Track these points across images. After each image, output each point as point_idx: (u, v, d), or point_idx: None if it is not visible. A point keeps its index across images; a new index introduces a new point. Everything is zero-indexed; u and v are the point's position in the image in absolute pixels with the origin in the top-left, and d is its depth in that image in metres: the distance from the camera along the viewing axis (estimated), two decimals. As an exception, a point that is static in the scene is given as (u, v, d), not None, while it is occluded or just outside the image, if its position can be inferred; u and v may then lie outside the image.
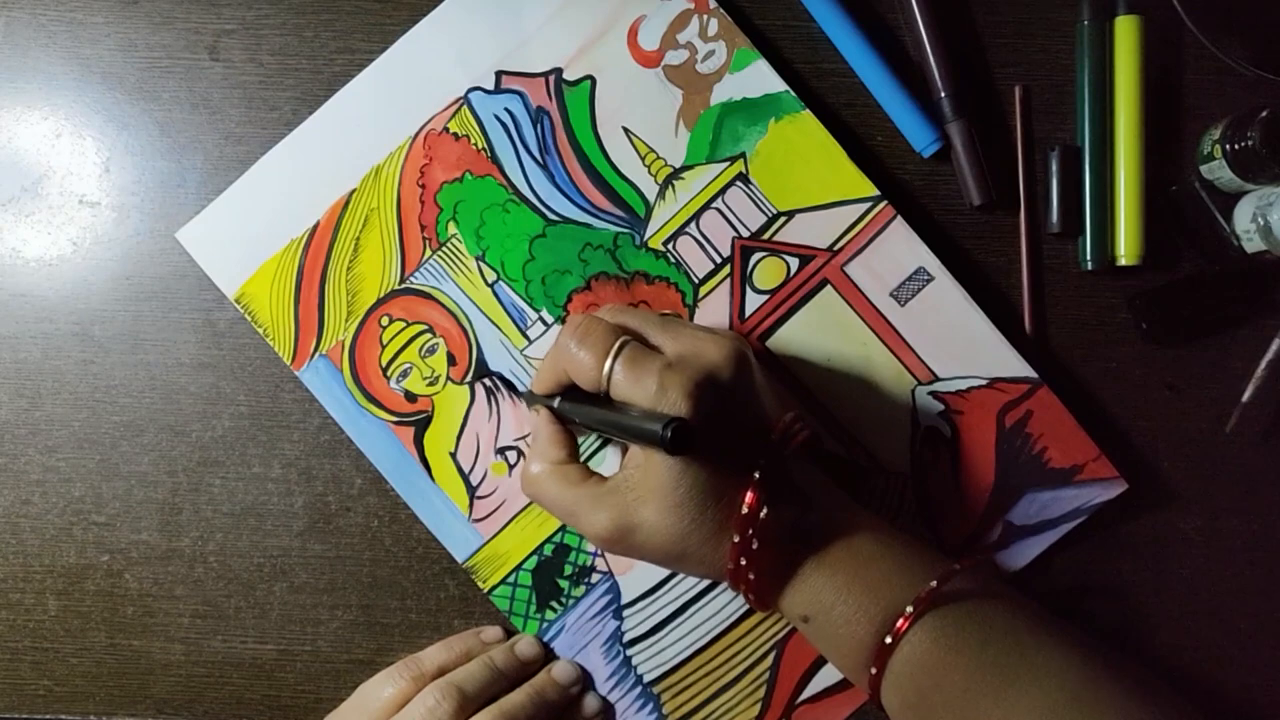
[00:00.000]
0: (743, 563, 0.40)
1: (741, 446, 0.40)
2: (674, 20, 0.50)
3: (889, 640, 0.39)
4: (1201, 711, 0.42)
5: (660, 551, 0.41)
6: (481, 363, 0.50)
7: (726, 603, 0.50)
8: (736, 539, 0.39)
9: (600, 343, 0.41)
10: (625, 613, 0.50)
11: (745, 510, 0.39)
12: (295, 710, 0.51)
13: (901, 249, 0.49)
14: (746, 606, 0.49)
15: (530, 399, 0.46)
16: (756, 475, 0.39)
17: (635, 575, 0.50)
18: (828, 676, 0.49)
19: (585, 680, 0.49)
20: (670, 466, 0.39)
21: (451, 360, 0.50)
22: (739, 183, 0.50)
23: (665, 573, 0.50)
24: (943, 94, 0.50)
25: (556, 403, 0.44)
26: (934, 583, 0.39)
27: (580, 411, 0.43)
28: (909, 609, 0.39)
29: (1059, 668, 0.39)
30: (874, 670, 0.40)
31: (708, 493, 0.39)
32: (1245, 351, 0.50)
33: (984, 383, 0.49)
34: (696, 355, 0.40)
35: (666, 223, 0.50)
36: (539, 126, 0.51)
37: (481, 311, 0.50)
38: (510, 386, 0.50)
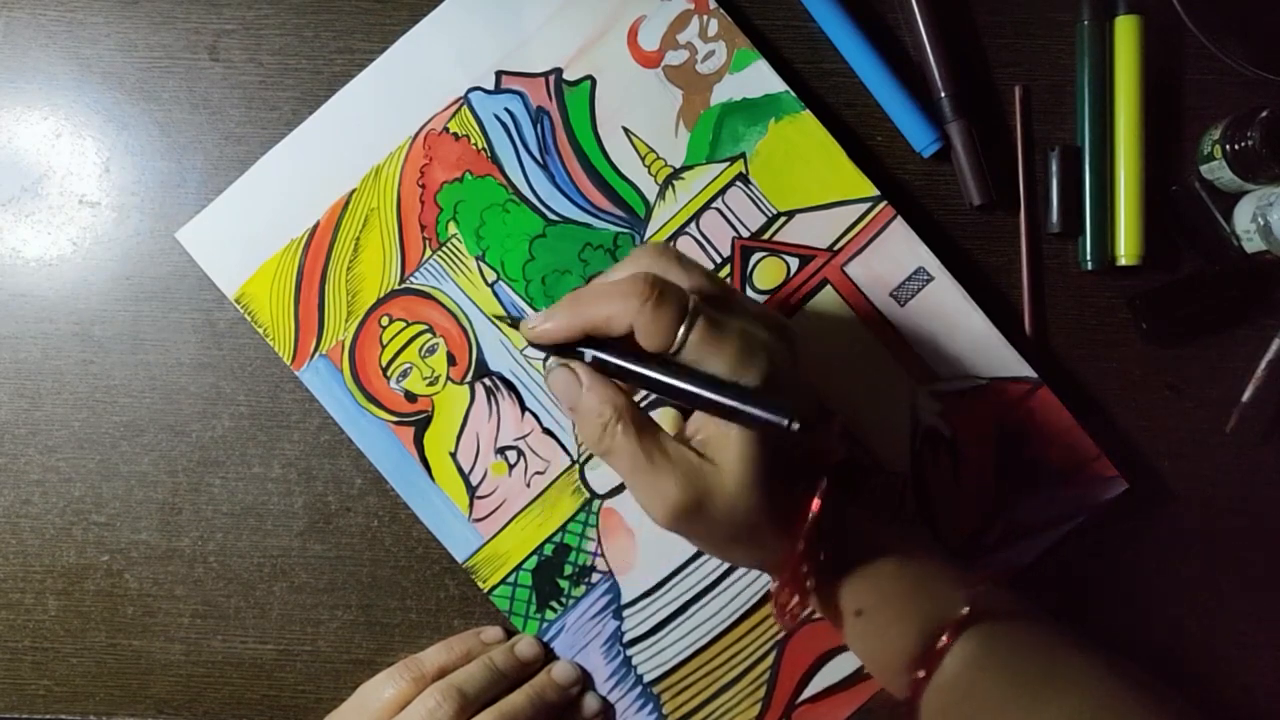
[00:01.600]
0: (812, 544, 0.39)
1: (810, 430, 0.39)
2: (674, 20, 0.50)
3: (942, 642, 0.39)
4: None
5: (728, 527, 0.38)
6: (481, 363, 0.50)
7: (726, 603, 0.50)
8: (812, 513, 0.38)
9: (675, 306, 0.37)
10: (625, 613, 0.50)
11: (820, 495, 0.38)
12: (295, 710, 0.51)
13: (901, 249, 0.49)
14: (747, 606, 0.49)
15: (555, 351, 0.41)
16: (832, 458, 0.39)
17: (635, 575, 0.50)
18: (828, 676, 0.49)
19: (585, 681, 0.49)
20: (757, 439, 0.37)
21: (451, 360, 0.50)
22: (739, 183, 0.50)
23: (665, 572, 0.50)
24: (943, 94, 0.50)
25: (589, 357, 0.40)
26: (966, 610, 0.39)
27: (650, 378, 0.38)
28: (964, 610, 0.39)
29: (1084, 681, 0.40)
30: (921, 674, 0.40)
31: (789, 473, 0.38)
32: (1245, 351, 0.50)
33: (984, 383, 0.49)
34: (763, 335, 0.38)
35: (666, 223, 0.50)
36: (539, 126, 0.51)
37: (481, 311, 0.50)
38: (510, 386, 0.50)
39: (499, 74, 0.51)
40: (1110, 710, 0.39)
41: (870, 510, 0.44)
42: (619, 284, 0.38)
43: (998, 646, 0.40)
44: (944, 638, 0.39)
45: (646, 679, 0.49)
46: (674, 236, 0.50)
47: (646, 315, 0.37)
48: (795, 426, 0.34)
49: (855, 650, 0.43)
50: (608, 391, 0.39)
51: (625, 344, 0.38)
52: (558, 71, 0.51)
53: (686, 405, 0.39)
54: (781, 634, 0.49)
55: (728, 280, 0.42)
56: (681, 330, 0.37)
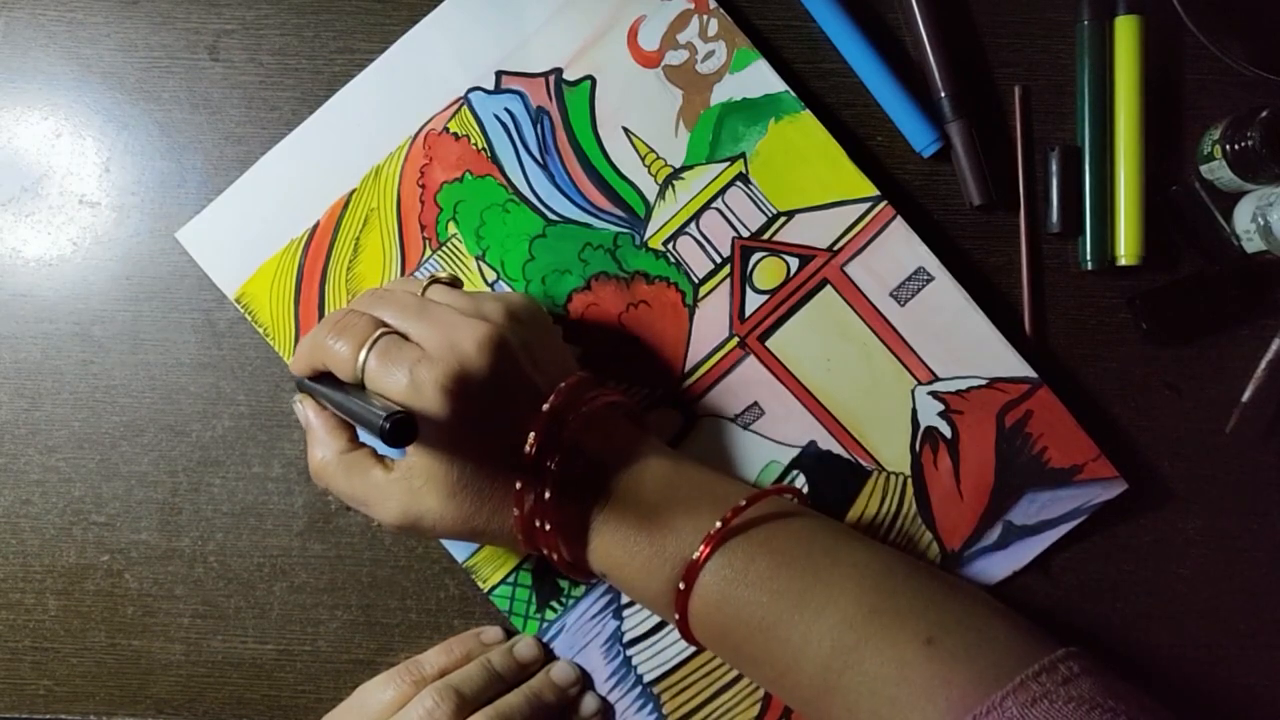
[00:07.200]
0: (539, 526, 0.41)
1: (512, 427, 0.41)
2: (674, 20, 0.50)
3: (683, 586, 0.40)
4: (1000, 607, 0.42)
5: (452, 533, 0.42)
6: (481, 363, 0.50)
7: (726, 603, 0.49)
8: (516, 513, 0.41)
9: (357, 335, 0.41)
10: (625, 612, 0.50)
11: (518, 487, 0.41)
12: (295, 710, 0.51)
13: (901, 249, 0.49)
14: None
15: (297, 383, 0.46)
16: (529, 448, 0.40)
17: (635, 575, 0.50)
18: (828, 676, 0.49)
19: (584, 681, 0.49)
20: (440, 456, 0.40)
21: (451, 360, 0.50)
22: (739, 183, 0.50)
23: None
24: (943, 94, 0.50)
25: (313, 386, 0.44)
26: (719, 523, 0.40)
27: (325, 396, 0.43)
28: (697, 552, 0.40)
29: (854, 582, 0.40)
30: (677, 616, 0.41)
31: (481, 477, 0.41)
32: (1245, 351, 0.50)
33: (984, 383, 0.49)
34: (451, 347, 0.40)
35: (666, 223, 0.50)
36: (539, 126, 0.51)
37: (481, 311, 0.50)
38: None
39: (499, 74, 0.51)
40: (884, 606, 0.39)
41: (642, 451, 0.44)
42: (320, 324, 0.43)
43: (760, 559, 0.40)
44: (700, 550, 0.40)
45: (646, 679, 0.49)
46: (674, 236, 0.50)
47: (328, 351, 0.41)
48: (386, 425, 0.36)
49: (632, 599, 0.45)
50: (322, 432, 0.44)
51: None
52: (558, 71, 0.51)
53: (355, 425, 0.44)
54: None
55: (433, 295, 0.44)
56: (361, 356, 0.40)
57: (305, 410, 0.45)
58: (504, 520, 0.42)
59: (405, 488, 0.41)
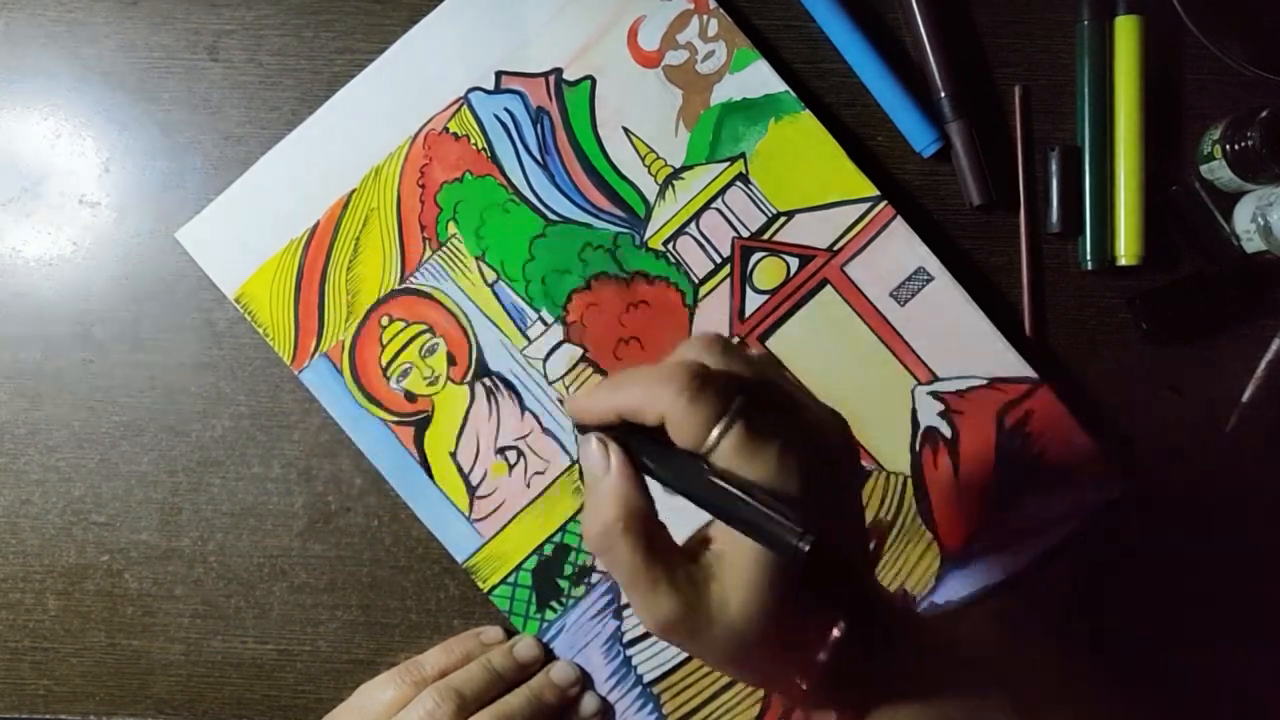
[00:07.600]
0: (832, 675, 0.34)
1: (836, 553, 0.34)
2: (674, 20, 0.50)
3: None
4: None
5: (723, 653, 0.34)
6: (481, 363, 0.50)
7: (726, 603, 0.49)
8: (823, 657, 0.34)
9: (713, 403, 0.33)
10: (625, 612, 0.50)
11: (837, 633, 0.34)
12: (295, 710, 0.51)
13: (901, 249, 0.49)
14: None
15: (583, 428, 0.37)
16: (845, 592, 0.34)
17: (635, 575, 0.50)
18: (828, 676, 0.49)
19: (584, 681, 0.49)
20: (774, 565, 0.33)
21: (451, 360, 0.50)
22: (739, 183, 0.50)
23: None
24: (943, 94, 0.50)
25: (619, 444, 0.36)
26: None
27: (670, 472, 0.35)
28: None
29: None
30: None
31: (805, 599, 0.34)
32: (1245, 351, 0.50)
33: (984, 383, 0.49)
34: (810, 442, 0.34)
35: (666, 223, 0.50)
36: (539, 126, 0.51)
37: (481, 311, 0.50)
38: (510, 387, 0.50)
39: (499, 74, 0.51)
40: None
41: (907, 621, 0.38)
42: (660, 370, 0.34)
43: None
44: None
45: (646, 679, 0.49)
46: (674, 236, 0.50)
47: (680, 409, 0.33)
48: (805, 547, 0.30)
49: None
50: (626, 488, 0.35)
51: (661, 432, 0.35)
52: (558, 71, 0.51)
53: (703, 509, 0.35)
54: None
55: (779, 369, 0.37)
56: (716, 431, 0.33)
57: (610, 456, 0.35)
58: (786, 661, 0.34)
59: (703, 584, 0.34)
